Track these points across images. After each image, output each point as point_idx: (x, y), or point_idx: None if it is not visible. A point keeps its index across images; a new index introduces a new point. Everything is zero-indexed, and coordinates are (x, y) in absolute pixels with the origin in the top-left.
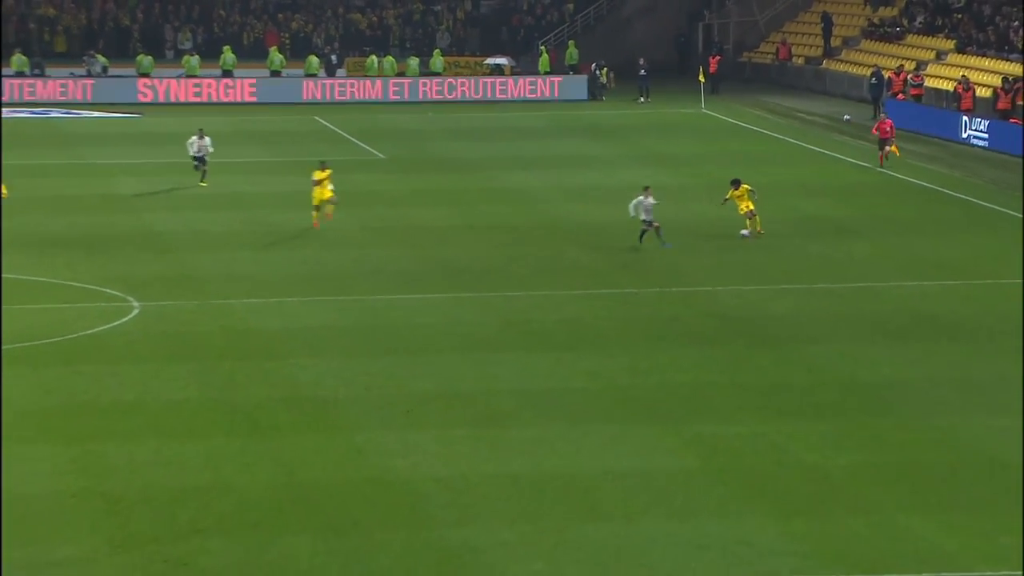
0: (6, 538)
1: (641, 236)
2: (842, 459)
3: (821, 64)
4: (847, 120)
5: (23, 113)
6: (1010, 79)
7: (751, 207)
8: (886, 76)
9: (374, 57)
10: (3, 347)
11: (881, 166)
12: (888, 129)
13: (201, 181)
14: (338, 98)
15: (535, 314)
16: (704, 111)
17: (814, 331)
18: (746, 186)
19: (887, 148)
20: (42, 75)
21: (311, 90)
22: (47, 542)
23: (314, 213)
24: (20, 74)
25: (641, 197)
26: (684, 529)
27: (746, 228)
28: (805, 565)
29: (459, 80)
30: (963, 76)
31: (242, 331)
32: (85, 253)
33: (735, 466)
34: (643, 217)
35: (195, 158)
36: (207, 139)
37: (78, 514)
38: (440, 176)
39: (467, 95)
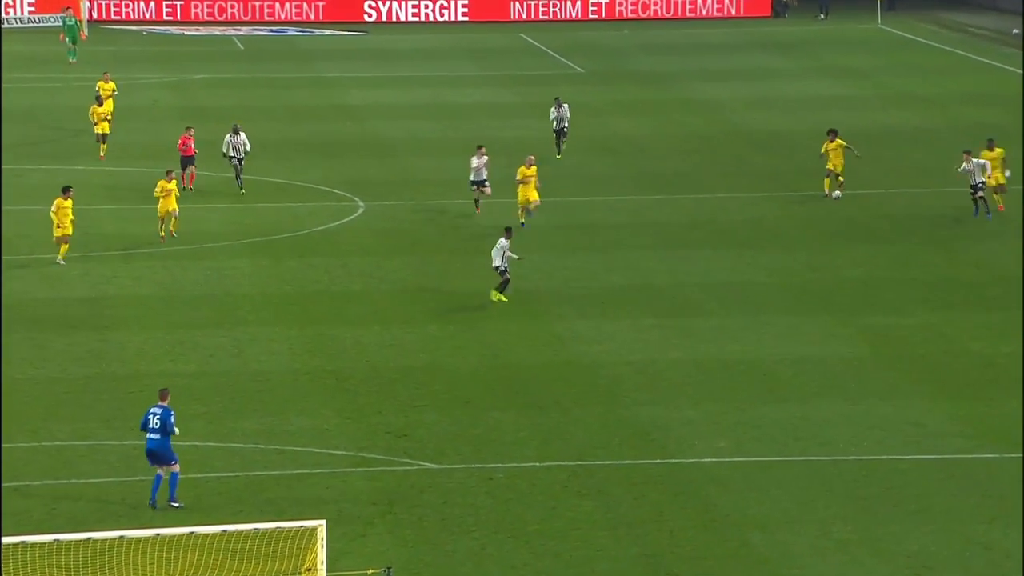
0: (249, 410)
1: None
2: (1006, 347)
3: None
4: (1016, 34)
5: (263, 31)
6: None
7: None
8: None
9: None
10: (247, 240)
11: None
12: None
13: (241, 189)
14: (540, 17)
15: (720, 214)
16: (880, 27)
17: (980, 230)
18: (841, 141)
19: None
20: None
21: (517, 10)
22: (284, 413)
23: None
24: None
25: None
26: (857, 411)
27: (837, 190)
28: (970, 445)
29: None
30: None
31: (455, 228)
32: (318, 157)
33: (905, 354)
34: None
35: (229, 157)
36: (242, 135)
37: (311, 389)
38: (634, 88)
39: (660, 12)
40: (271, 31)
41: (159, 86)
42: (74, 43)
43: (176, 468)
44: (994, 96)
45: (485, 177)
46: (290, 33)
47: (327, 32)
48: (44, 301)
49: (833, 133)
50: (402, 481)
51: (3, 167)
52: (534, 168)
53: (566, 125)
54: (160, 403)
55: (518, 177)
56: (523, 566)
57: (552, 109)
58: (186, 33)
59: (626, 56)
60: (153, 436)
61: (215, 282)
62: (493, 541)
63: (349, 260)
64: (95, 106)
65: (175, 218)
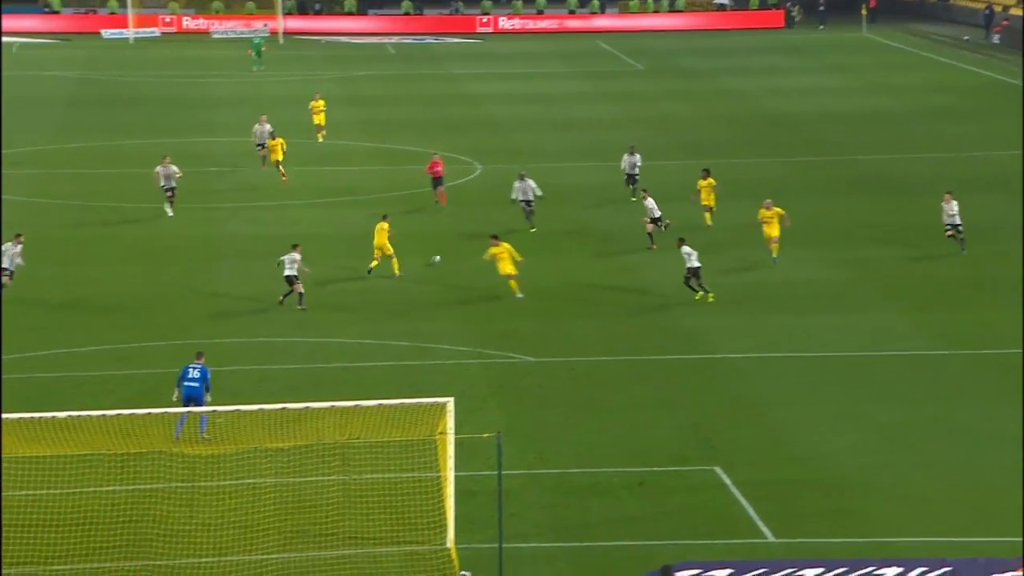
0: (400, 317)
1: None
2: (967, 272)
3: (948, 0)
4: (966, 40)
5: (408, 39)
6: None
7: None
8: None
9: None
10: (396, 193)
11: None
12: None
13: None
14: (608, 28)
15: (743, 174)
16: (865, 35)
17: (943, 187)
18: (778, 209)
19: None
20: (421, 13)
21: (597, 24)
22: (421, 321)
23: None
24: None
25: None
26: (844, 321)
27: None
28: (926, 344)
29: (694, 15)
30: None
31: (556, 186)
32: (446, 132)
33: (881, 278)
34: None
35: (520, 201)
36: (530, 181)
37: (444, 303)
38: (681, 81)
39: (698, 27)
40: (414, 39)
41: (330, 80)
42: (259, 56)
43: (206, 412)
44: (950, 86)
45: (637, 173)
46: (427, 41)
47: (453, 40)
48: (250, 238)
49: (706, 172)
50: (508, 370)
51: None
52: (774, 210)
53: (637, 173)
54: (197, 361)
55: (759, 217)
56: (596, 432)
57: (625, 156)
58: (352, 41)
59: (674, 57)
60: (192, 384)
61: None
62: (574, 415)
63: (470, 209)
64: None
65: (394, 259)
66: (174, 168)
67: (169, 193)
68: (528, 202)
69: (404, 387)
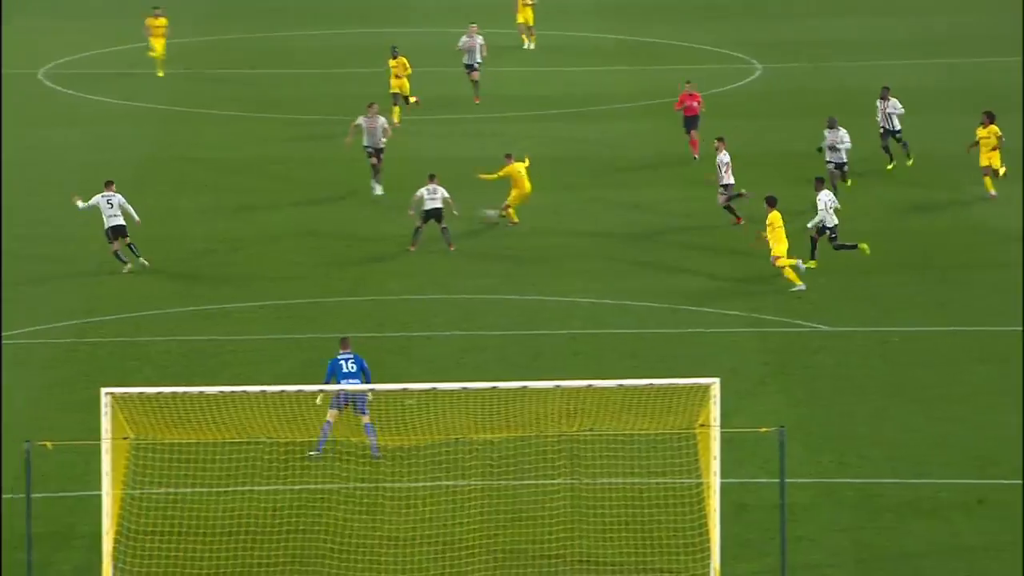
0: (638, 268)
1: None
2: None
3: None
4: None
5: None
6: None
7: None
8: None
9: None
10: (644, 102)
11: None
12: None
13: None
14: None
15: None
16: None
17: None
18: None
19: None
20: None
21: None
22: (670, 274)
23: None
24: None
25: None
26: None
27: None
28: None
29: None
30: None
31: (850, 90)
32: (708, 19)
33: None
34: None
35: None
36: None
37: (704, 248)
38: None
39: None
40: None
41: None
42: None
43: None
44: None
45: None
46: None
47: None
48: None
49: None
50: (794, 342)
51: None
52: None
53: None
54: (345, 351)
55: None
56: (918, 429)
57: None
58: None
59: None
60: (351, 380)
61: (615, 143)
62: (892, 404)
63: (748, 122)
64: None
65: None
66: (382, 121)
67: (375, 160)
68: (894, 132)
69: (652, 362)
